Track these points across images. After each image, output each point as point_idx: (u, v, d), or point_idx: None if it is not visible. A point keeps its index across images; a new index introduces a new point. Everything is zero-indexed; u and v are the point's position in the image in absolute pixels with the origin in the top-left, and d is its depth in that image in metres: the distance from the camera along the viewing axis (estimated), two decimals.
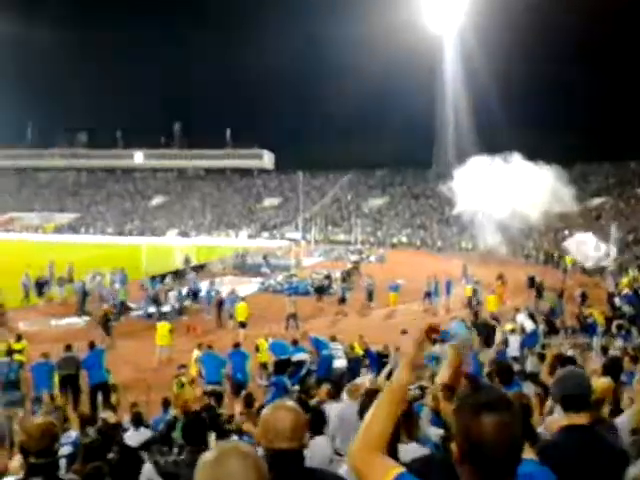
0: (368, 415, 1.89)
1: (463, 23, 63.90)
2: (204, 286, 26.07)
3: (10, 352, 12.74)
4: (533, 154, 30.09)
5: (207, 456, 1.49)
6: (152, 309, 23.09)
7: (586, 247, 33.81)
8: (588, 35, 60.84)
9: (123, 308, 22.60)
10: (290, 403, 2.51)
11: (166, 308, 23.48)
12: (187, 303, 24.42)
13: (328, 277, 29.40)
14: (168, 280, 27.65)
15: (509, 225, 30.68)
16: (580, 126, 63.08)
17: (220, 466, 1.45)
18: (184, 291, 25.28)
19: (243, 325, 20.52)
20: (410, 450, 3.44)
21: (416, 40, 63.96)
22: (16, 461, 5.31)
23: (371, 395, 3.21)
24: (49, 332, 19.37)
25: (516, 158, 29.77)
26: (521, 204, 29.58)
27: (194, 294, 25.16)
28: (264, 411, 2.38)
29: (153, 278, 27.81)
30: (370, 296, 25.98)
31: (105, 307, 20.78)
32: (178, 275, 29.99)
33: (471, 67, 61.46)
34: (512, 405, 1.59)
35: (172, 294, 24.37)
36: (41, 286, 24.63)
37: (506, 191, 28.85)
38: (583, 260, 33.54)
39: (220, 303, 22.76)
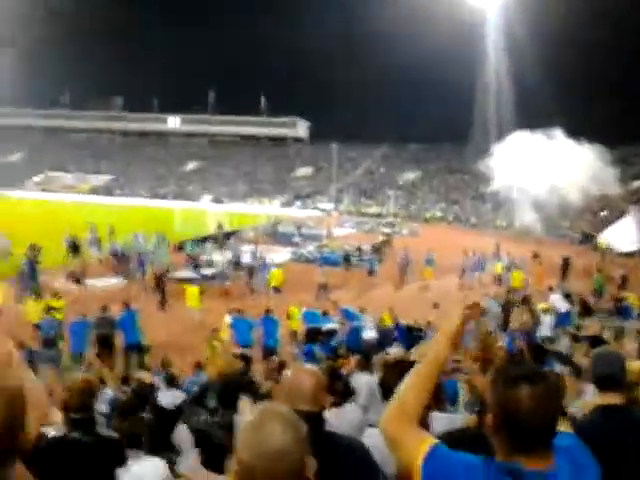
0: (403, 385, 1.93)
1: None
2: (246, 252, 26.15)
3: (49, 310, 13.01)
4: (575, 130, 29.28)
5: (249, 419, 1.52)
6: (193, 273, 23.32)
7: (628, 231, 33.09)
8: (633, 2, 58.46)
9: (167, 271, 22.79)
10: (311, 367, 2.56)
11: (207, 272, 23.63)
12: (229, 269, 24.50)
13: (359, 249, 29.33)
14: (209, 245, 27.94)
15: (546, 203, 30.11)
16: (626, 103, 61.14)
17: (262, 428, 1.47)
18: (228, 256, 25.38)
19: (277, 290, 20.84)
20: (438, 419, 3.44)
21: (458, 13, 62.42)
22: (56, 416, 5.44)
23: (391, 367, 3.18)
24: (86, 292, 19.70)
25: (558, 134, 29.04)
26: (560, 182, 28.98)
27: (236, 261, 25.30)
28: (285, 373, 2.43)
29: (195, 242, 28.16)
30: (404, 269, 25.83)
31: (155, 270, 21.12)
32: (216, 240, 30.28)
33: (513, 40, 59.68)
34: (548, 379, 1.64)
35: (218, 258, 24.54)
36: (76, 248, 24.98)
37: (545, 169, 28.26)
38: (620, 245, 32.84)
39: (252, 270, 22.97)
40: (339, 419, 3.91)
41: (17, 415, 1.38)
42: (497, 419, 1.60)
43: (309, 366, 2.57)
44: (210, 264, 24.46)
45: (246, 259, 24.66)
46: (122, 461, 3.66)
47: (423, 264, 26.05)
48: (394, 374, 2.99)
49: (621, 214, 35.89)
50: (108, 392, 7.71)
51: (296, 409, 2.14)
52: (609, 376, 2.71)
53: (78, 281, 20.60)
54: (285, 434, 1.47)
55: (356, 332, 13.67)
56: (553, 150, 29.27)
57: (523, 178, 29.50)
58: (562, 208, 33.46)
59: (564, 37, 61.38)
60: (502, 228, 45.57)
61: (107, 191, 67.51)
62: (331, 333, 13.96)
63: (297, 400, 2.27)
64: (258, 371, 11.38)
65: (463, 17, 62.57)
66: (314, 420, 2.24)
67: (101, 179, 72.07)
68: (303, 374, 2.38)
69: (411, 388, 1.90)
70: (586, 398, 4.69)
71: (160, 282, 19.53)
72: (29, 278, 18.76)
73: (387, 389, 2.93)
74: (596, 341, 9.52)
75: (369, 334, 13.61)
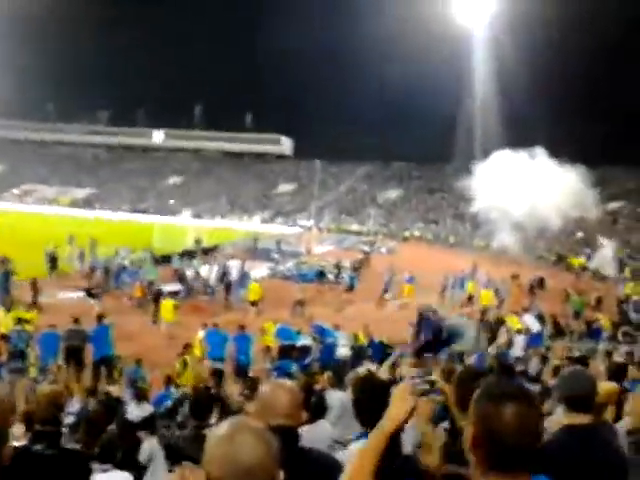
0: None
1: (492, 17, 62.95)
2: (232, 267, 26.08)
3: (19, 321, 12.87)
4: (557, 150, 29.61)
5: (219, 431, 1.48)
6: (177, 287, 23.19)
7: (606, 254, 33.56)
8: (618, 30, 59.81)
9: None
10: (287, 382, 2.55)
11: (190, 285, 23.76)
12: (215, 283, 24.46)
13: (337, 266, 29.38)
14: (195, 259, 27.97)
15: (525, 224, 30.41)
16: (606, 123, 62.13)
17: (232, 442, 1.43)
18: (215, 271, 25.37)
19: (254, 304, 20.84)
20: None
21: (444, 31, 63.28)
22: (18, 429, 5.40)
23: (361, 384, 3.19)
24: (60, 304, 19.48)
25: (539, 153, 29.34)
26: (540, 204, 29.28)
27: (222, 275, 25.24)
28: (262, 388, 2.42)
29: (181, 256, 28.26)
30: (388, 287, 25.85)
31: (138, 285, 21.17)
32: (194, 255, 30.24)
33: (498, 60, 60.42)
34: (532, 397, 1.63)
35: (211, 274, 24.83)
36: (55, 261, 24.79)
37: (526, 189, 28.54)
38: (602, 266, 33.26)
39: (228, 285, 22.94)
40: (312, 435, 3.93)
41: (3, 426, 1.33)
42: (478, 434, 1.58)
43: (285, 381, 2.57)
44: (196, 278, 24.42)
45: (232, 274, 24.63)
46: (87, 475, 3.60)
47: (404, 282, 26.12)
48: (364, 391, 3.01)
49: (595, 236, 36.34)
50: (75, 405, 7.67)
51: (271, 424, 2.20)
52: (580, 397, 2.70)
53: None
54: (256, 449, 1.43)
55: (330, 349, 13.69)
56: (534, 170, 29.58)
57: (504, 198, 29.83)
58: (539, 229, 33.90)
59: (549, 58, 62.52)
60: (480, 248, 45.93)
61: (88, 204, 67.11)
62: (305, 350, 13.98)
63: (272, 415, 2.26)
64: (230, 387, 11.37)
65: (449, 36, 63.58)
66: (289, 435, 2.26)
67: (82, 192, 71.56)
68: (280, 389, 2.37)
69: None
70: (553, 418, 4.74)
71: (155, 295, 19.72)
72: (2, 290, 18.56)
73: (359, 407, 2.97)
74: (576, 360, 9.67)
75: (342, 351, 13.63)
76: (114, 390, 8.76)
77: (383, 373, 8.77)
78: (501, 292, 24.39)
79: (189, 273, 24.90)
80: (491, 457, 1.56)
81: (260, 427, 1.51)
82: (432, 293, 25.68)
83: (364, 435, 2.79)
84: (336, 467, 2.39)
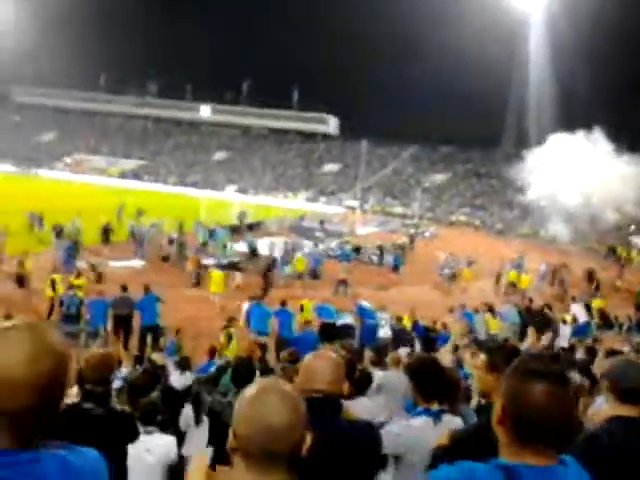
0: None
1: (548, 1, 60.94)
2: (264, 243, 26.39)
3: (70, 287, 13.27)
4: (616, 137, 28.53)
5: (247, 392, 1.52)
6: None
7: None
8: None
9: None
10: (330, 352, 2.61)
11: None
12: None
13: (380, 247, 29.24)
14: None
15: (577, 214, 29.57)
16: None
17: (260, 402, 1.47)
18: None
19: (300, 277, 21.94)
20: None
21: (495, 13, 61.66)
22: (72, 389, 5.55)
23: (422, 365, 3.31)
24: (110, 272, 19.94)
25: (595, 139, 28.27)
26: (594, 194, 28.35)
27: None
28: (306, 357, 2.48)
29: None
30: (446, 271, 25.68)
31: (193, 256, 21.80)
32: (238, 231, 30.66)
33: (553, 42, 58.53)
34: (564, 378, 1.62)
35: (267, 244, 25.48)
36: (107, 232, 25.35)
37: (579, 178, 27.67)
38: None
39: (273, 261, 23.22)
40: (355, 410, 3.97)
41: (64, 379, 1.35)
42: (506, 409, 1.59)
43: (329, 352, 2.61)
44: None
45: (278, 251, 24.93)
46: (134, 436, 3.68)
47: (461, 266, 26.07)
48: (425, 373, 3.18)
49: None
50: (123, 370, 7.85)
51: (315, 388, 2.29)
52: (631, 389, 2.64)
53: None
54: (283, 410, 1.46)
55: (371, 329, 13.65)
56: (589, 158, 28.55)
57: (555, 186, 29.04)
58: (592, 220, 33.00)
59: (607, 40, 60.01)
60: (528, 236, 45.04)
61: (136, 176, 68.29)
62: (347, 328, 13.94)
63: (315, 381, 2.32)
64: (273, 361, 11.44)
65: (500, 18, 61.88)
66: (332, 401, 2.33)
67: (131, 163, 72.87)
68: (323, 358, 2.43)
69: None
70: (601, 407, 4.62)
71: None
72: (69, 259, 19.39)
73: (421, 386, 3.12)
74: (613, 354, 9.41)
75: (383, 332, 13.56)
76: (157, 358, 8.90)
77: (445, 356, 8.85)
78: (547, 280, 24.01)
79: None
80: (515, 433, 1.58)
81: (289, 389, 1.54)
82: (487, 278, 25.49)
83: (425, 411, 3.03)
84: (373, 430, 2.48)
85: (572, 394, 1.62)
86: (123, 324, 12.44)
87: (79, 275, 14.91)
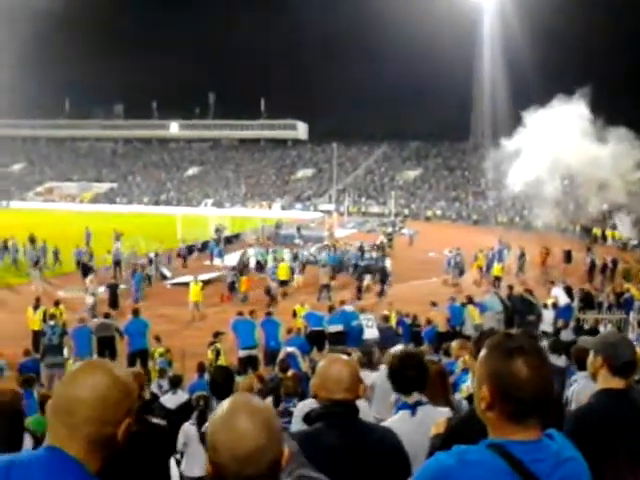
0: None
1: None
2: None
3: (50, 317, 13.00)
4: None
5: (216, 416, 1.45)
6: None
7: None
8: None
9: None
10: (345, 357, 2.63)
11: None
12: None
13: (361, 248, 29.29)
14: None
15: (553, 197, 29.73)
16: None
17: (227, 428, 1.40)
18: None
19: (284, 283, 22.03)
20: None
21: (453, 9, 62.45)
22: None
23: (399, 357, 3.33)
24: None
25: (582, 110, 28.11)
26: (569, 177, 28.37)
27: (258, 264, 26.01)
28: (321, 363, 2.50)
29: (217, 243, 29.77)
30: (459, 270, 25.74)
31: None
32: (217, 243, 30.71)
33: (510, 36, 59.52)
34: (541, 350, 1.65)
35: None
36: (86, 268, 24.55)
37: (553, 161, 27.58)
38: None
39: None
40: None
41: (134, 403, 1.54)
42: (494, 391, 1.58)
43: (343, 356, 2.63)
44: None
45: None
46: (173, 450, 3.66)
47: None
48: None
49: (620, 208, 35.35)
50: None
51: (333, 398, 2.33)
52: (624, 363, 2.70)
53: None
54: (254, 433, 1.39)
55: (356, 332, 13.67)
56: (570, 133, 28.14)
57: (523, 172, 29.17)
58: (564, 202, 33.41)
59: (561, 28, 61.19)
60: (504, 224, 45.52)
61: (109, 199, 67.69)
62: (339, 334, 13.86)
63: (335, 389, 2.34)
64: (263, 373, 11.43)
65: (461, 12, 62.69)
66: (351, 408, 2.37)
67: (103, 187, 72.17)
68: (339, 363, 2.44)
69: None
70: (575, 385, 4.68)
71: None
72: None
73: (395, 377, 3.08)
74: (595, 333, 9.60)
75: (369, 333, 13.59)
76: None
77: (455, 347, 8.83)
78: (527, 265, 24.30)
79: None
80: (507, 412, 1.57)
81: (260, 407, 1.46)
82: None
83: (403, 405, 3.04)
84: (395, 439, 2.47)
85: (547, 360, 1.66)
86: (108, 347, 12.36)
87: (56, 304, 14.74)
